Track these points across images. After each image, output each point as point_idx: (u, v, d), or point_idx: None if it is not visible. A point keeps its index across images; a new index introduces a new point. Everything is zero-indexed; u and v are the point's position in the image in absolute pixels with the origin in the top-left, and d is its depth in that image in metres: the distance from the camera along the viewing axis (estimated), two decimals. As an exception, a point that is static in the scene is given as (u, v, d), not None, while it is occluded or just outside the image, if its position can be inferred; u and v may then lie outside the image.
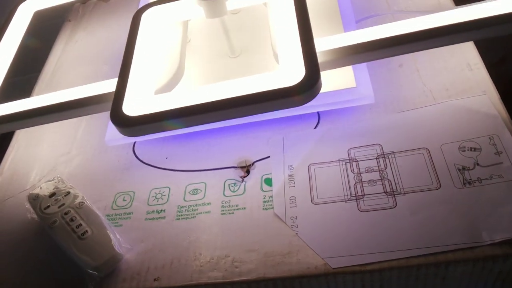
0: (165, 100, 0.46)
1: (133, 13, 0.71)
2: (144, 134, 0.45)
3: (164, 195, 0.56)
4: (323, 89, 0.54)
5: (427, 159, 0.50)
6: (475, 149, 0.50)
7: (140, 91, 0.48)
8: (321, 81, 0.43)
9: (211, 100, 0.43)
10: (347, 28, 0.63)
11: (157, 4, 0.57)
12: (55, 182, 0.57)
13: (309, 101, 0.42)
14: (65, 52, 0.82)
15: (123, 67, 0.50)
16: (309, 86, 0.42)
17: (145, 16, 0.56)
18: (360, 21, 0.67)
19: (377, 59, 0.51)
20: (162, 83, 0.53)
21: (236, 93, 0.43)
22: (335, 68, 0.50)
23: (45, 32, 0.93)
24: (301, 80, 0.42)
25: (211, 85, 0.45)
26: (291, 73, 0.44)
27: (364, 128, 0.55)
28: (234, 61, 0.63)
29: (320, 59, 0.48)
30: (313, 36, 0.47)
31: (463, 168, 0.48)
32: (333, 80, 0.55)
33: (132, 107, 0.46)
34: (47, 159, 0.65)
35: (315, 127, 0.58)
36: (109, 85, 0.53)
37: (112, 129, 0.57)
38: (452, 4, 0.66)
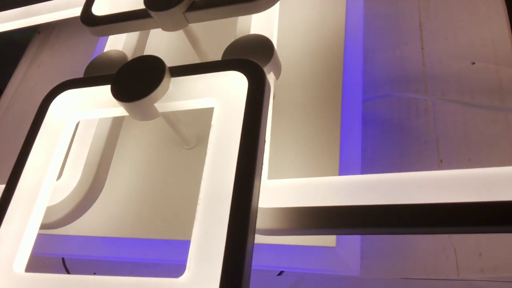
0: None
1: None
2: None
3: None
4: (288, 240, 0.38)
5: None
6: None
7: (20, 248, 0.34)
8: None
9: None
10: (346, 110, 0.43)
11: (74, 87, 0.41)
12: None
13: None
14: (24, 81, 0.69)
15: (4, 196, 0.36)
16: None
17: (56, 104, 0.41)
18: (374, 100, 0.47)
19: (371, 234, 0.32)
20: (65, 211, 0.38)
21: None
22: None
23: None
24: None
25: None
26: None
27: (344, 296, 0.38)
28: (190, 153, 0.46)
29: (265, 223, 0.31)
30: (252, 202, 0.29)
31: None
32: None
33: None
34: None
35: (279, 274, 0.41)
36: None
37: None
38: (521, 86, 0.44)
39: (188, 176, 0.45)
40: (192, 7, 0.41)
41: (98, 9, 0.46)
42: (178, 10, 0.41)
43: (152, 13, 0.41)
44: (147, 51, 0.52)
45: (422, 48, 0.49)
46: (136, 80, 0.37)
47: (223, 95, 0.36)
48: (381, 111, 0.47)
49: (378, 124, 0.46)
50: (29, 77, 0.69)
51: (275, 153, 0.42)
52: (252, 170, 0.31)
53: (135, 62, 0.39)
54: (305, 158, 0.42)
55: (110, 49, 0.48)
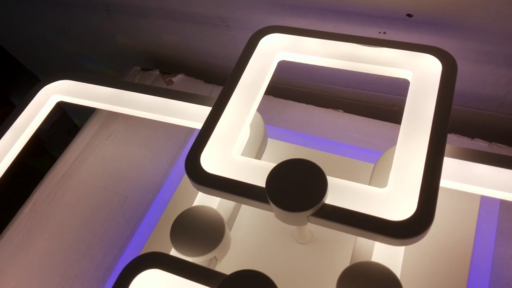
0: None
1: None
2: None
3: None
4: None
5: None
6: None
7: None
8: None
9: None
10: None
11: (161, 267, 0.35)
12: None
13: None
14: (89, 148, 0.63)
15: None
16: None
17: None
18: None
19: None
20: None
21: None
22: None
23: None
24: None
25: None
26: None
27: None
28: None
29: None
30: None
31: None
32: None
33: None
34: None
35: None
36: None
37: None
38: None
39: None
40: (318, 213, 0.36)
41: (208, 159, 0.40)
42: (303, 213, 0.35)
43: (273, 206, 0.36)
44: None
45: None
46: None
47: None
48: None
49: None
50: (95, 146, 0.63)
51: None
52: None
53: (239, 278, 0.33)
54: None
55: (203, 204, 0.42)
